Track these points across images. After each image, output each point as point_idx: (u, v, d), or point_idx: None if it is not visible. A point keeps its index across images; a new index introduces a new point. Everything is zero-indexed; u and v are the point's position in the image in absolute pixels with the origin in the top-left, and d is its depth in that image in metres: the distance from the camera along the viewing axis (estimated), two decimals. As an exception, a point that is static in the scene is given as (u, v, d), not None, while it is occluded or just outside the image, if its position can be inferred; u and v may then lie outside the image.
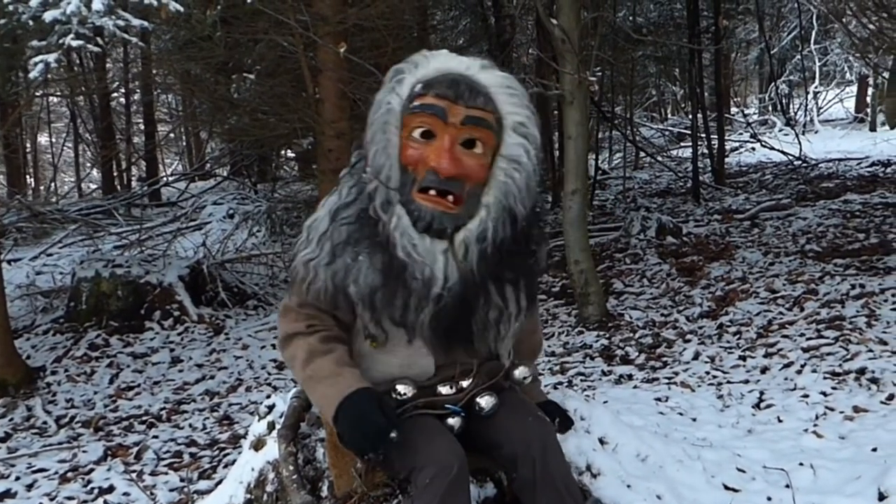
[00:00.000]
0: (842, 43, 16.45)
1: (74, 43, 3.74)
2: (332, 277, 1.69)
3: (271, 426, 2.14)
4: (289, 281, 1.83)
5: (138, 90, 14.32)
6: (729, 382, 3.95)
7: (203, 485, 3.58)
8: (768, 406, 3.54)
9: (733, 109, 18.81)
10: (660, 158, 13.04)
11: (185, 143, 19.21)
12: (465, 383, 1.81)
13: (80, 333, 6.10)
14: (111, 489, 3.65)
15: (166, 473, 3.79)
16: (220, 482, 2.64)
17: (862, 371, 3.72)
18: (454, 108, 1.62)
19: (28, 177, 17.58)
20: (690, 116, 11.70)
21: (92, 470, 3.90)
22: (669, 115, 20.32)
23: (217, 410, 4.71)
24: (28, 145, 17.80)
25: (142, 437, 4.34)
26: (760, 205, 8.29)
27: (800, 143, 11.73)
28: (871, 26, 7.82)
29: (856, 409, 3.32)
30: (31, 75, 3.85)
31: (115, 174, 14.01)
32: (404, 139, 1.65)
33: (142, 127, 15.10)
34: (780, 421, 3.33)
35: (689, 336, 4.83)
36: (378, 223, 1.66)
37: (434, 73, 1.66)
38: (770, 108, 18.63)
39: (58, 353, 5.81)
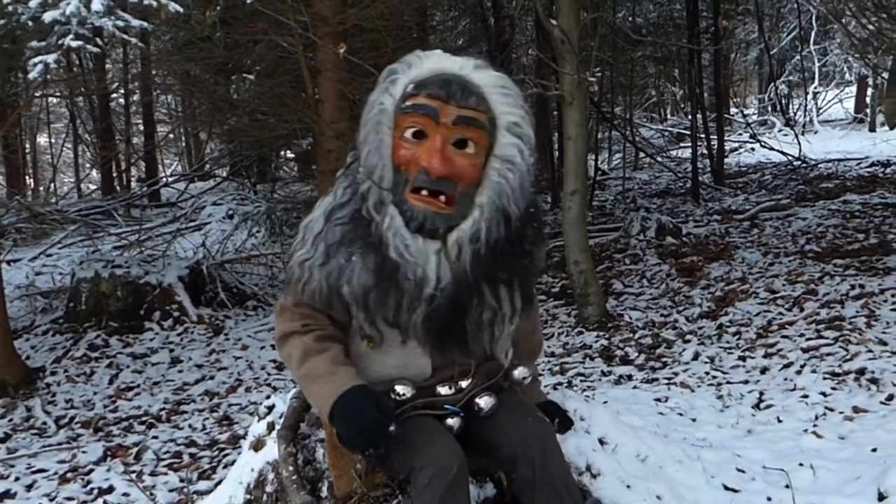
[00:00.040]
0: (841, 43, 16.47)
1: (74, 43, 3.74)
2: (327, 278, 1.69)
3: (271, 427, 2.14)
4: (285, 281, 1.84)
5: (138, 91, 14.31)
6: (729, 383, 3.95)
7: (203, 485, 3.58)
8: (768, 406, 3.54)
9: (733, 110, 18.82)
10: (659, 159, 13.05)
11: (184, 144, 19.21)
12: (464, 384, 1.81)
13: (79, 334, 6.09)
14: (111, 490, 3.65)
15: (166, 474, 3.79)
16: (219, 483, 2.64)
17: (862, 371, 3.71)
18: (446, 108, 1.61)
19: (27, 177, 17.58)
20: (690, 117, 11.70)
21: (91, 470, 3.90)
22: (669, 116, 20.32)
23: (217, 411, 4.71)
24: (27, 146, 17.80)
25: (141, 437, 4.34)
26: (760, 205, 8.29)
27: (799, 144, 11.73)
28: (870, 27, 7.82)
29: (855, 410, 3.32)
30: (31, 76, 3.85)
31: (114, 175, 14.00)
32: (397, 139, 1.65)
33: (141, 127, 15.09)
34: (779, 421, 3.33)
35: (688, 336, 4.83)
36: (371, 223, 1.66)
37: (427, 74, 1.66)
38: (769, 109, 18.65)
39: (57, 353, 5.81)
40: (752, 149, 13.69)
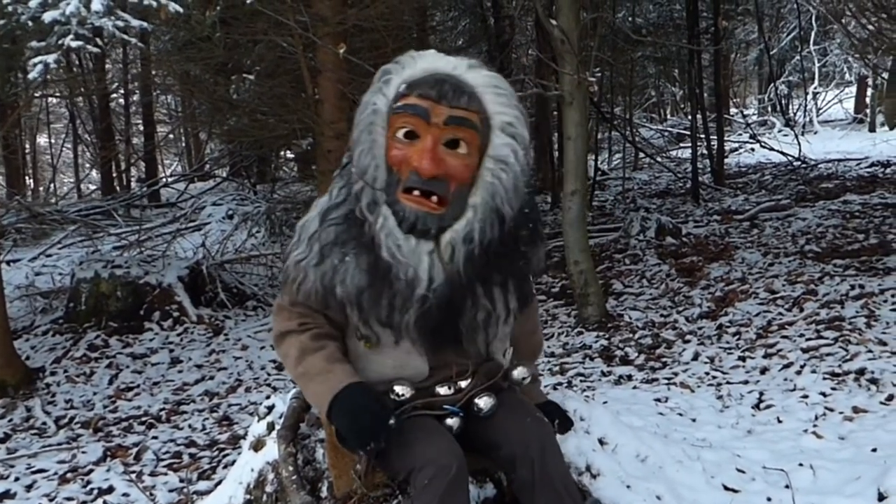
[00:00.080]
0: (841, 44, 16.47)
1: (74, 44, 3.74)
2: (321, 278, 1.69)
3: (271, 427, 2.14)
4: (281, 280, 1.84)
5: (137, 91, 14.32)
6: (728, 383, 3.95)
7: (202, 485, 3.57)
8: (768, 406, 3.53)
9: (733, 110, 18.82)
10: (659, 159, 13.05)
11: (184, 144, 19.22)
12: (463, 384, 1.80)
13: (79, 334, 6.09)
14: (110, 490, 3.65)
15: (166, 474, 3.78)
16: (219, 483, 2.64)
17: (861, 372, 3.71)
18: (437, 109, 1.60)
19: (27, 178, 17.58)
20: (690, 117, 11.70)
21: (91, 471, 3.89)
22: (669, 116, 20.33)
23: (216, 411, 4.70)
24: (27, 146, 17.81)
25: (141, 437, 4.34)
26: (760, 205, 8.29)
27: (799, 144, 11.73)
28: (870, 27, 7.83)
29: (855, 410, 3.32)
30: (31, 76, 3.85)
31: (114, 175, 14.00)
32: (390, 140, 1.65)
33: (141, 128, 15.09)
34: (779, 421, 3.33)
35: (688, 337, 4.83)
36: (365, 224, 1.66)
37: (420, 74, 1.65)
38: (769, 109, 18.66)
39: (57, 353, 5.81)
40: (752, 149, 13.70)
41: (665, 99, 19.94)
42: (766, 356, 4.22)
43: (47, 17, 3.73)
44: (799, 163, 11.34)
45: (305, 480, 1.92)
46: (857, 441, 2.97)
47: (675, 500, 2.08)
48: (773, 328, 4.61)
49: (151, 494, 3.52)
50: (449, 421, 1.79)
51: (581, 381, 4.36)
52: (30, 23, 3.84)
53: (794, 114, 17.73)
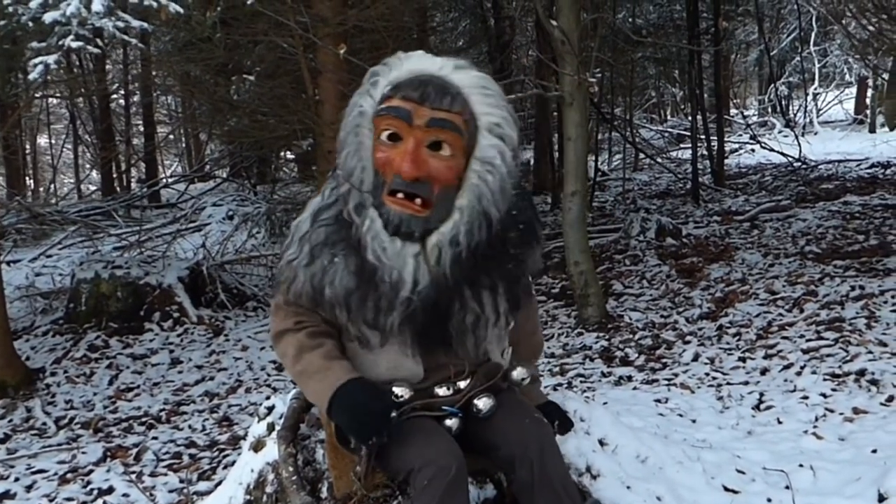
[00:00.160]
0: (841, 44, 16.47)
1: (74, 44, 3.75)
2: (311, 279, 1.69)
3: (271, 427, 2.14)
4: (276, 280, 1.84)
5: (138, 92, 14.31)
6: (728, 384, 3.95)
7: (202, 486, 3.57)
8: (768, 407, 3.53)
9: (733, 111, 18.81)
10: (659, 160, 13.05)
11: (184, 145, 19.22)
12: (462, 385, 1.80)
13: (79, 335, 6.09)
14: (110, 490, 3.65)
15: (166, 475, 3.78)
16: (219, 483, 2.64)
17: (862, 372, 3.71)
18: (420, 111, 1.59)
19: (27, 178, 17.59)
20: (690, 118, 11.70)
21: (91, 471, 3.89)
22: (669, 117, 20.33)
23: (217, 412, 4.70)
24: (27, 147, 17.81)
25: (141, 438, 4.34)
26: (760, 206, 8.29)
27: (799, 145, 11.73)
28: (870, 28, 7.83)
29: (855, 411, 3.32)
30: (31, 77, 3.86)
31: (114, 176, 14.01)
32: (375, 142, 1.64)
33: (141, 128, 15.10)
34: (779, 422, 3.33)
35: (688, 337, 4.83)
36: (353, 226, 1.66)
37: (406, 75, 1.64)
38: (769, 110, 18.65)
39: (57, 354, 5.81)
40: (753, 150, 13.69)
41: (665, 100, 19.94)
42: (766, 357, 4.22)
43: (48, 17, 3.73)
44: (799, 164, 11.33)
45: (305, 481, 1.92)
46: (858, 442, 2.97)
47: (675, 501, 2.08)
48: (774, 329, 4.61)
49: (151, 495, 3.52)
50: (448, 422, 1.78)
51: (581, 381, 4.36)
52: (30, 23, 3.85)
53: (795, 115, 17.72)
